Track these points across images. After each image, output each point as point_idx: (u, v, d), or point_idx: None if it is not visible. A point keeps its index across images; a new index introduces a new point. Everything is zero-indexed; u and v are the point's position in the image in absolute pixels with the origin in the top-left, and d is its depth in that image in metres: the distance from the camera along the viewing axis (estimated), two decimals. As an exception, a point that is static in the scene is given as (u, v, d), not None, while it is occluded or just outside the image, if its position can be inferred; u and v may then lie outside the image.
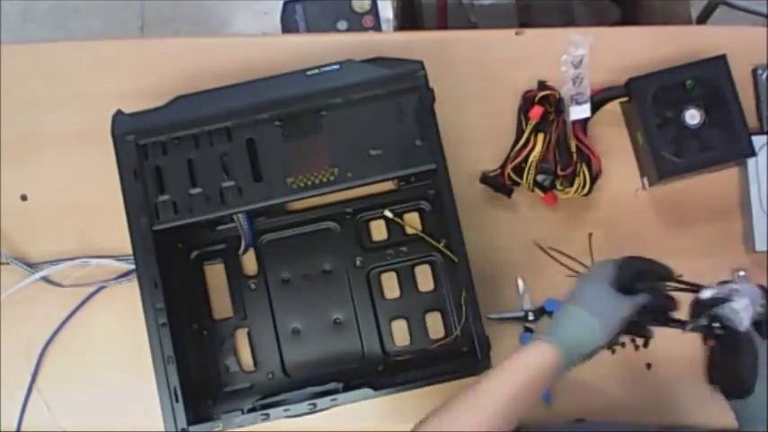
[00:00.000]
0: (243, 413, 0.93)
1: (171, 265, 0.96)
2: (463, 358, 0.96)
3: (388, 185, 1.05)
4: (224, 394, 1.01)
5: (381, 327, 1.03)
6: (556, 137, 1.04)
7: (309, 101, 0.95)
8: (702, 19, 1.46)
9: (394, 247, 1.04)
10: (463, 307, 0.98)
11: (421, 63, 0.96)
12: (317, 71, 0.96)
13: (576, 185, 1.04)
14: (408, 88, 0.95)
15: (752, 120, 1.06)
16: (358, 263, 1.04)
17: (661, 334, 1.05)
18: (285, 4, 1.39)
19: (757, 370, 0.79)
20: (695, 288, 0.81)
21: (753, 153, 1.02)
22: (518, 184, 1.05)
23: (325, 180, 0.94)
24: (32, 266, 1.06)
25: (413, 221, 1.05)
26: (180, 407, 0.90)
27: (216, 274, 1.05)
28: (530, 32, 1.12)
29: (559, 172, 1.04)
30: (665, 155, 1.02)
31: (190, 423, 0.90)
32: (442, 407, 0.72)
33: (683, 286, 0.82)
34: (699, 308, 0.81)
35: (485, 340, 0.92)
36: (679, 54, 1.06)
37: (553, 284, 1.05)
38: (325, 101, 0.95)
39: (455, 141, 0.99)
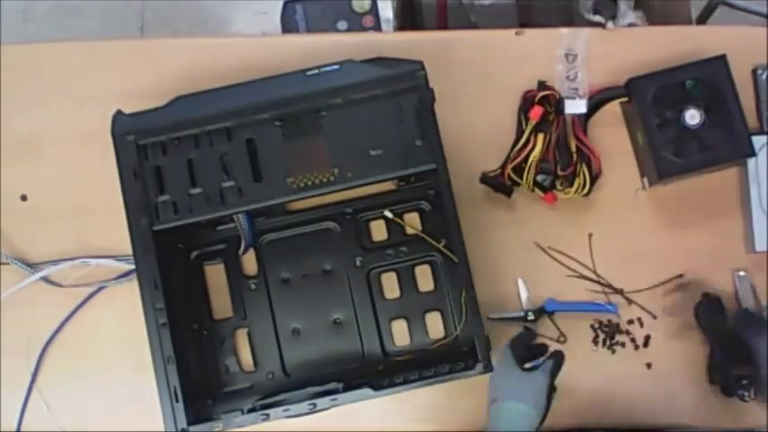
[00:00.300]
0: (243, 413, 0.93)
1: (171, 265, 0.96)
2: (463, 358, 0.96)
3: (388, 185, 1.05)
4: (224, 394, 1.01)
5: (381, 327, 1.03)
6: (556, 137, 1.04)
7: (309, 101, 0.95)
8: (702, 19, 1.46)
9: (394, 248, 1.04)
10: (463, 307, 0.98)
11: (421, 63, 0.96)
12: (316, 71, 0.96)
13: (576, 185, 1.04)
14: (408, 88, 0.95)
15: (752, 120, 1.06)
16: (358, 263, 1.04)
17: (661, 334, 1.06)
18: (285, 4, 1.39)
19: None
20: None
21: (753, 153, 1.02)
22: (518, 184, 1.05)
23: (325, 180, 0.94)
24: (32, 266, 1.06)
25: (413, 221, 1.05)
26: (180, 407, 0.90)
27: (216, 274, 1.05)
28: (530, 32, 1.12)
29: (559, 172, 1.04)
30: (665, 155, 1.02)
31: (190, 423, 0.90)
32: None
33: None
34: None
35: (485, 340, 0.92)
36: (679, 54, 1.06)
37: (553, 284, 1.05)
38: (325, 101, 0.95)
39: (455, 141, 0.99)
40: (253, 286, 1.04)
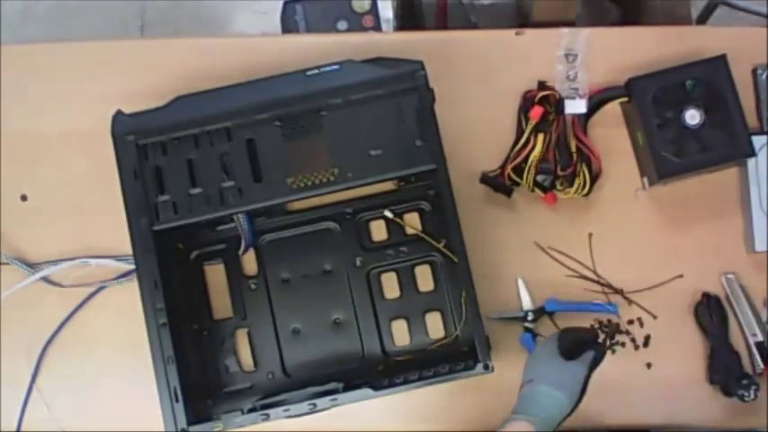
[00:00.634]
0: (243, 413, 0.93)
1: (171, 265, 0.96)
2: (463, 358, 0.96)
3: (388, 185, 1.04)
4: (224, 394, 1.01)
5: (381, 327, 1.03)
6: (556, 137, 1.04)
7: (309, 101, 0.95)
8: (702, 19, 1.46)
9: (394, 248, 1.04)
10: (463, 307, 0.98)
11: (421, 63, 0.96)
12: (316, 71, 0.96)
13: (576, 185, 1.04)
14: (408, 88, 0.95)
15: (752, 120, 1.06)
16: (358, 263, 1.04)
17: (661, 334, 1.06)
18: (285, 4, 1.39)
19: None
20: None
21: (753, 153, 1.02)
22: (518, 184, 1.05)
23: (325, 180, 0.94)
24: (32, 266, 1.06)
25: (413, 221, 1.05)
26: (180, 407, 0.90)
27: (216, 275, 1.05)
28: (530, 32, 1.12)
29: (559, 172, 1.04)
30: (665, 155, 1.02)
31: (190, 423, 0.90)
32: None
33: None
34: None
35: (485, 340, 0.92)
36: (679, 54, 1.06)
37: (553, 284, 1.05)
38: (325, 101, 0.95)
39: (455, 141, 0.99)
40: (253, 286, 1.04)
